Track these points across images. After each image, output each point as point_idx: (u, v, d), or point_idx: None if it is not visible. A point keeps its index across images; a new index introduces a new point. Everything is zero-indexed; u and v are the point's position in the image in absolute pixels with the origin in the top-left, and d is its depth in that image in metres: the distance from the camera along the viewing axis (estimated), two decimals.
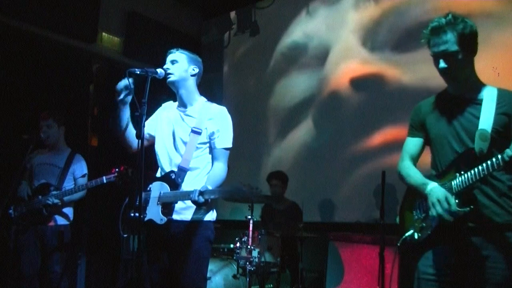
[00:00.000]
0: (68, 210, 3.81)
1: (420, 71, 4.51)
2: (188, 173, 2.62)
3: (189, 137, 2.63)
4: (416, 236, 2.11)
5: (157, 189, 2.60)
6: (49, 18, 4.92)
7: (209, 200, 2.45)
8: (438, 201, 1.94)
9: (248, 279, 4.06)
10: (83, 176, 3.88)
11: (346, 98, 5.24)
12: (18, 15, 4.74)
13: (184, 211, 2.59)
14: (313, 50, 5.65)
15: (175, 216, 2.57)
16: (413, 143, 2.27)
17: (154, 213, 2.55)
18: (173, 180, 2.58)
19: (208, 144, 2.68)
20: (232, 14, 6.48)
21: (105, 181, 3.55)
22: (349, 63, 5.26)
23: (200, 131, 2.64)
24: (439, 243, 2.06)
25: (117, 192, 3.68)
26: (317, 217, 5.27)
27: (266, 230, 4.40)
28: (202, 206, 2.50)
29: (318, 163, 5.39)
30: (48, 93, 4.93)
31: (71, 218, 3.83)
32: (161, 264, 2.61)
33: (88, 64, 5.54)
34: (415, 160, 2.26)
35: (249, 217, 4.21)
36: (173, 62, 2.68)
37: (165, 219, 2.52)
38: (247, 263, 4.05)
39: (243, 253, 4.10)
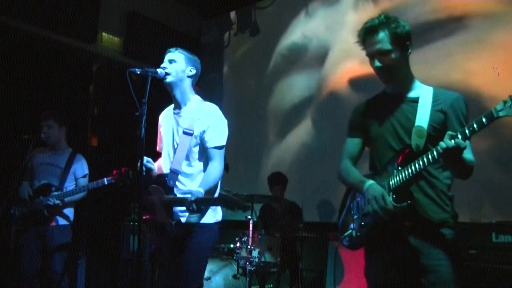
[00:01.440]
0: (69, 211, 3.81)
1: (419, 71, 4.47)
2: (182, 175, 2.61)
3: (180, 139, 2.61)
4: (353, 234, 2.13)
5: (156, 192, 2.60)
6: (49, 18, 4.92)
7: (202, 208, 2.44)
8: (375, 198, 1.96)
9: (248, 279, 4.06)
10: (84, 176, 3.88)
11: (345, 98, 5.24)
12: (18, 15, 4.74)
13: (185, 213, 2.58)
14: (312, 50, 5.66)
15: (180, 218, 2.58)
16: (352, 144, 2.29)
17: (162, 216, 2.55)
18: (164, 182, 2.56)
19: (200, 146, 2.62)
20: (232, 14, 6.48)
21: (106, 182, 3.54)
22: (348, 63, 5.27)
23: (191, 132, 2.59)
24: (379, 243, 2.07)
25: (117, 193, 3.70)
26: (317, 217, 5.27)
27: (265, 230, 4.41)
28: (196, 213, 2.49)
29: (318, 163, 5.39)
30: (48, 93, 4.93)
31: (72, 219, 3.82)
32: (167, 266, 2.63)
33: (88, 64, 5.54)
34: (354, 160, 2.27)
35: (249, 217, 4.21)
36: (171, 61, 2.67)
37: (172, 222, 2.52)
38: (247, 263, 4.05)
39: (243, 253, 4.10)
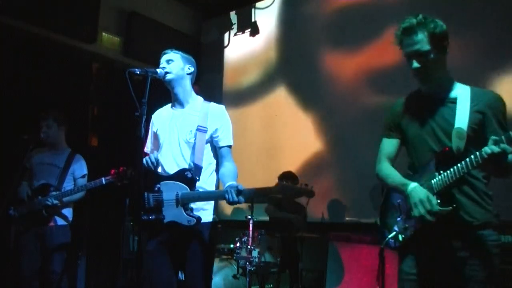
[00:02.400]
0: (68, 211, 3.81)
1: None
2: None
3: (196, 135, 2.65)
4: (400, 237, 2.11)
5: (170, 189, 2.56)
6: (49, 18, 4.92)
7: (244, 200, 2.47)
8: (421, 201, 1.94)
9: (248, 279, 4.06)
10: (83, 176, 3.88)
11: (347, 98, 5.24)
12: (18, 15, 4.74)
13: (194, 212, 2.58)
14: (312, 50, 5.65)
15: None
16: (389, 144, 2.27)
17: (176, 215, 2.52)
18: (191, 178, 2.55)
19: (210, 143, 2.71)
20: (232, 14, 6.48)
21: (104, 182, 3.54)
22: (349, 63, 5.26)
23: (206, 129, 2.67)
24: (421, 244, 2.06)
25: (117, 192, 3.70)
26: (317, 217, 5.27)
27: (267, 229, 4.41)
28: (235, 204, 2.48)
29: (318, 163, 5.39)
30: (48, 93, 4.93)
31: (71, 219, 3.82)
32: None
33: (88, 64, 5.54)
34: (392, 161, 2.26)
35: (249, 217, 4.21)
36: (168, 61, 2.72)
37: (193, 219, 2.50)
38: (247, 263, 4.05)
39: (243, 253, 4.10)
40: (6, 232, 3.71)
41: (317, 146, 5.44)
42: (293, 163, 5.45)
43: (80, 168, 3.88)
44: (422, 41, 2.00)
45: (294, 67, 5.81)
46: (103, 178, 3.53)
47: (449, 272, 1.99)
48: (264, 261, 4.11)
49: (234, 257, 4.22)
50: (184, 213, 2.51)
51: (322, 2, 5.68)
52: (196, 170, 2.59)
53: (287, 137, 5.72)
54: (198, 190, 2.57)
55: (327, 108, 5.41)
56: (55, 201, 3.60)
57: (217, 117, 2.72)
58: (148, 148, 2.87)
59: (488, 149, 1.76)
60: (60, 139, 3.92)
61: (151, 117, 2.87)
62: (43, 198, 3.63)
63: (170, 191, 2.54)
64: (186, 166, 2.60)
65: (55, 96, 4.94)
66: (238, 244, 4.21)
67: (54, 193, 3.64)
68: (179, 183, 2.55)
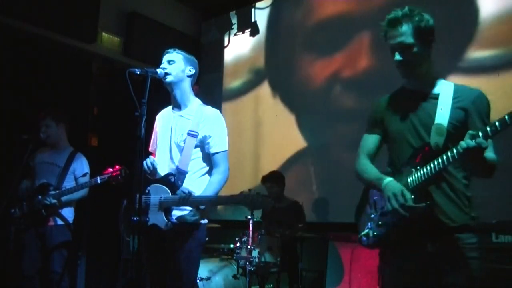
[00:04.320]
0: (69, 210, 3.80)
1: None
2: (187, 176, 2.63)
3: (186, 140, 2.63)
4: (371, 233, 2.07)
5: (156, 192, 2.60)
6: (49, 18, 4.92)
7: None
8: (394, 195, 1.90)
9: (248, 279, 4.06)
10: (84, 175, 3.86)
11: (347, 98, 5.24)
12: (19, 15, 4.74)
13: (177, 214, 2.60)
14: (312, 51, 5.66)
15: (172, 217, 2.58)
16: (370, 140, 2.21)
17: (157, 218, 2.55)
18: (173, 183, 2.57)
19: (200, 148, 2.68)
20: (232, 14, 6.48)
21: (99, 181, 3.52)
22: (350, 63, 5.27)
23: (196, 134, 2.64)
24: (397, 245, 2.01)
25: (117, 192, 3.69)
26: (317, 217, 5.27)
27: (266, 229, 4.40)
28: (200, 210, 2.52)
29: (318, 163, 5.39)
30: (48, 93, 4.93)
31: (72, 218, 3.82)
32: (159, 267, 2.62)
33: (88, 64, 5.54)
34: (372, 157, 2.20)
35: (249, 217, 4.21)
36: (170, 62, 2.70)
37: (170, 224, 2.53)
38: (247, 263, 4.05)
39: (243, 253, 4.10)
40: (7, 231, 3.70)
41: (312, 145, 5.45)
42: (291, 162, 5.45)
43: (80, 166, 3.87)
44: (406, 33, 1.96)
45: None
46: (98, 178, 3.53)
47: (423, 275, 1.94)
48: (264, 261, 4.11)
49: (234, 257, 4.22)
50: (164, 217, 2.53)
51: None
52: (179, 174, 2.59)
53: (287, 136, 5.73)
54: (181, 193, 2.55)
55: (327, 108, 5.43)
56: (53, 201, 3.59)
57: (210, 122, 2.68)
58: (151, 147, 2.89)
59: (464, 143, 1.71)
60: (61, 138, 3.90)
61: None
62: (42, 197, 3.63)
63: (156, 194, 2.59)
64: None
65: (55, 96, 4.95)
66: (238, 244, 4.21)
67: (52, 192, 3.63)
68: (164, 186, 2.58)
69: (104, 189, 3.63)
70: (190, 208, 2.59)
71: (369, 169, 2.14)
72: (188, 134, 2.64)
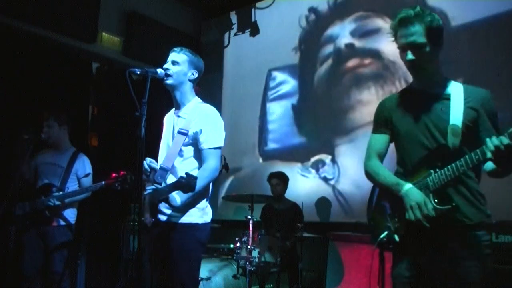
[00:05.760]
0: (72, 211, 3.79)
1: None
2: (174, 172, 2.59)
3: (174, 138, 2.61)
4: (396, 237, 2.04)
5: (148, 190, 2.58)
6: (49, 18, 4.92)
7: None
8: (418, 205, 1.88)
9: (248, 279, 4.06)
10: (87, 175, 3.85)
11: (347, 98, 5.24)
12: (18, 15, 4.74)
13: (173, 213, 2.58)
14: (312, 50, 5.66)
15: (162, 217, 2.57)
16: (378, 140, 2.19)
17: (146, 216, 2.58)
18: (154, 179, 2.52)
19: (193, 146, 2.61)
20: (232, 14, 6.48)
21: (103, 185, 3.54)
22: (349, 63, 5.27)
23: (186, 131, 2.59)
24: (413, 245, 2.01)
25: (117, 193, 3.69)
26: (317, 217, 5.27)
27: (266, 230, 4.41)
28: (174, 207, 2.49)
29: (318, 163, 5.39)
30: (48, 93, 4.93)
31: (74, 219, 3.81)
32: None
33: (88, 64, 5.54)
34: (381, 157, 2.18)
35: (249, 217, 4.21)
36: (174, 63, 2.66)
37: (151, 220, 2.53)
38: (247, 263, 4.05)
39: (243, 253, 4.10)
40: (7, 231, 3.70)
41: (312, 144, 5.45)
42: (291, 162, 5.44)
43: (83, 167, 3.87)
44: (418, 33, 1.95)
45: None
46: (103, 182, 3.53)
47: (444, 273, 1.94)
48: (264, 261, 4.11)
49: (234, 257, 4.22)
50: (147, 215, 2.55)
51: None
52: (161, 172, 2.54)
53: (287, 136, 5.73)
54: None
55: (327, 108, 5.42)
56: (57, 202, 3.59)
57: (202, 118, 2.61)
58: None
59: (496, 140, 1.70)
60: (63, 139, 3.90)
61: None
62: (45, 198, 3.63)
63: (148, 192, 2.57)
64: None
65: (55, 96, 4.95)
66: (238, 244, 4.21)
67: (56, 193, 3.63)
68: (152, 185, 2.57)
69: (104, 190, 3.63)
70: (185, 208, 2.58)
71: (383, 172, 2.11)
72: (178, 132, 2.61)
